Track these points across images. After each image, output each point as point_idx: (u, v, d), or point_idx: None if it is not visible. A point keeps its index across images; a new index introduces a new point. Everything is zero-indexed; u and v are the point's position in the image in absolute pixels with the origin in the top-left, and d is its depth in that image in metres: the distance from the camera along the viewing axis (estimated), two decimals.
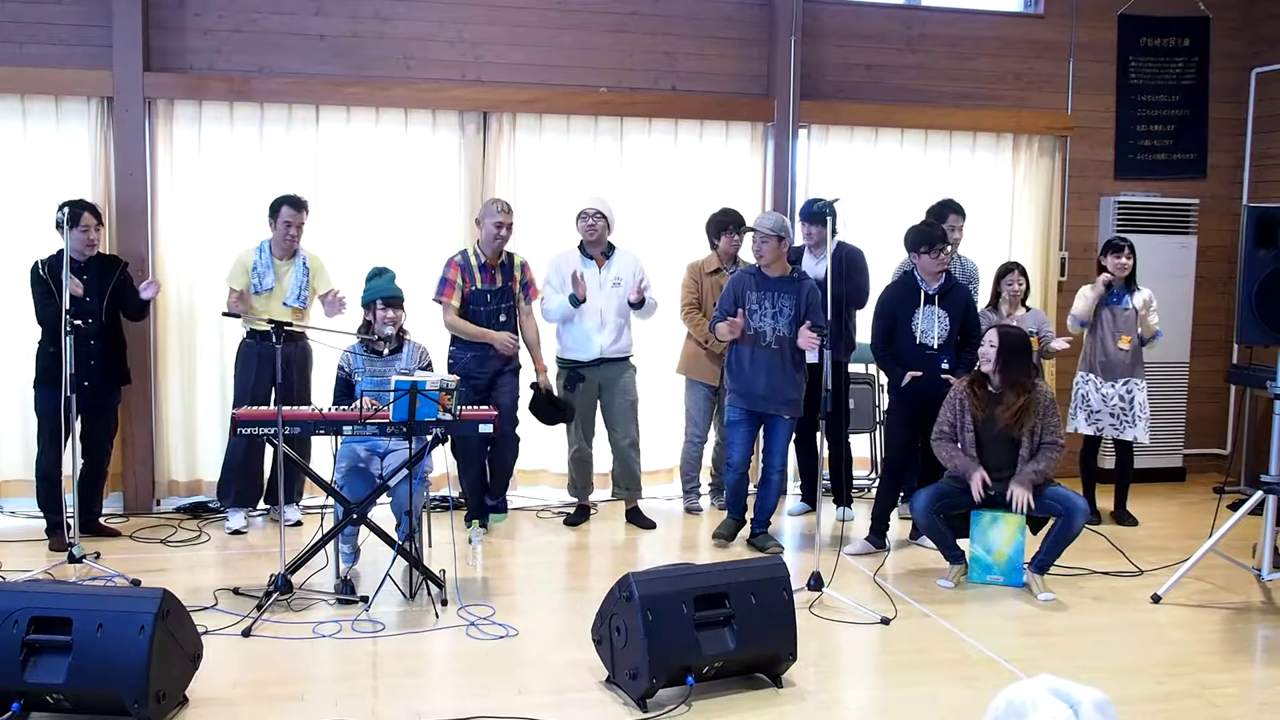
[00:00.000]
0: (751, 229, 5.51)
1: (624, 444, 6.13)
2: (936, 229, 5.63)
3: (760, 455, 5.96)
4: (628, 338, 6.10)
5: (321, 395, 5.88)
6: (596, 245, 6.00)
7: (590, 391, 6.05)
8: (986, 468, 5.11)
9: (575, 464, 6.20)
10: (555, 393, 6.00)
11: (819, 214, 5.81)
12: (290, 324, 4.76)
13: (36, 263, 5.50)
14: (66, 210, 5.15)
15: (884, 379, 6.13)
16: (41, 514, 5.68)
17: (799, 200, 6.76)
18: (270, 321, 4.70)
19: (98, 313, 5.51)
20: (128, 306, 5.70)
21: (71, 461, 5.28)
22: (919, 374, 5.52)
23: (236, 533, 5.88)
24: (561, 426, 6.17)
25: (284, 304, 5.82)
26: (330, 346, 5.26)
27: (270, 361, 5.74)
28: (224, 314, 5.71)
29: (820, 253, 6.08)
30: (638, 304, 5.99)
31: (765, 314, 5.48)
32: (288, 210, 5.77)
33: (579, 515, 6.26)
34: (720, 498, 6.46)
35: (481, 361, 5.76)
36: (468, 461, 5.88)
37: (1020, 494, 5.00)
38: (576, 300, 5.86)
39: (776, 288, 5.50)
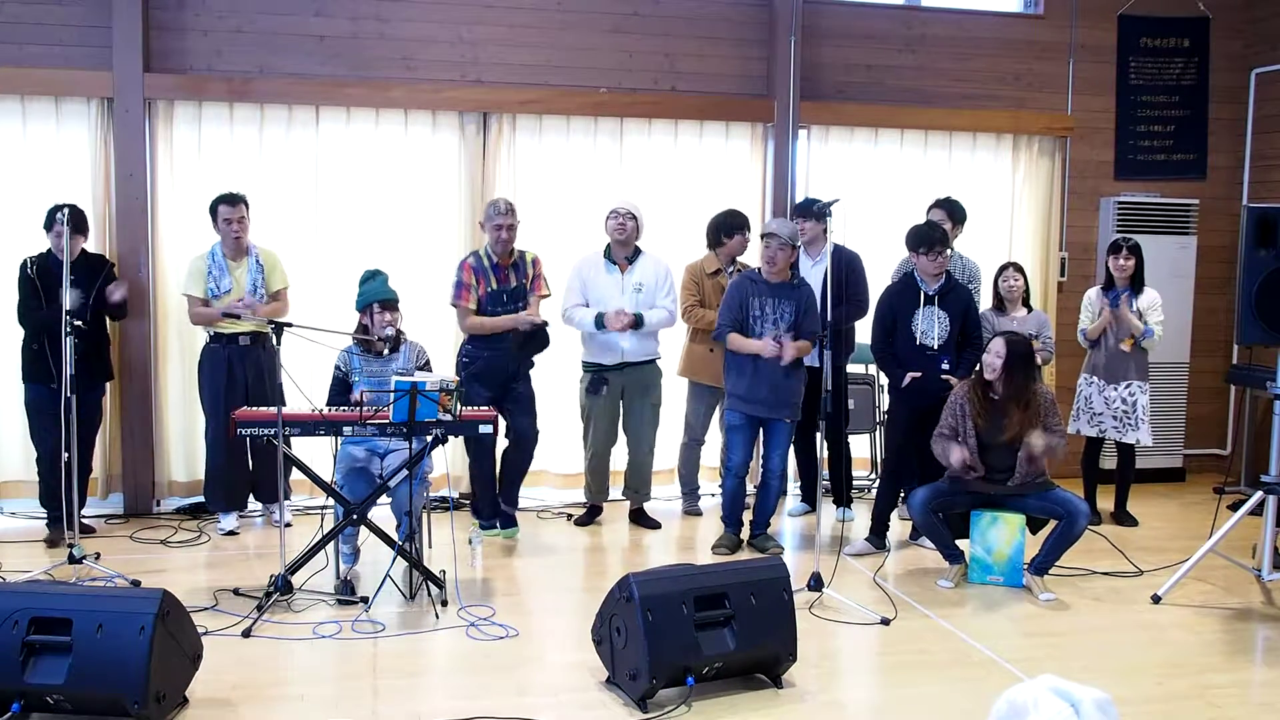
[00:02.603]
0: (771, 234, 5.48)
1: (640, 449, 6.12)
2: (937, 230, 5.62)
3: (759, 458, 5.96)
4: (652, 340, 6.05)
5: (296, 395, 5.81)
6: (624, 247, 5.95)
7: (613, 395, 6.01)
8: (988, 469, 5.11)
9: (592, 471, 6.18)
10: (542, 325, 5.75)
11: (818, 212, 5.83)
12: (290, 323, 4.71)
13: (25, 260, 5.47)
14: (47, 213, 5.02)
15: (884, 379, 6.12)
16: (44, 511, 5.70)
17: (798, 201, 6.75)
18: (271, 323, 4.69)
19: (84, 313, 5.46)
20: (108, 306, 5.65)
21: (64, 458, 5.26)
22: (919, 375, 5.51)
23: (230, 534, 5.87)
24: (579, 430, 6.17)
25: None
26: (329, 346, 5.25)
27: (239, 365, 5.75)
28: (224, 314, 5.70)
29: (815, 252, 6.07)
30: (635, 325, 5.86)
31: (766, 320, 5.47)
32: (225, 209, 5.70)
33: (589, 515, 6.26)
34: None
35: (498, 359, 5.71)
36: (479, 457, 5.85)
37: (1038, 440, 4.96)
38: (602, 324, 5.83)
39: (777, 294, 5.49)
